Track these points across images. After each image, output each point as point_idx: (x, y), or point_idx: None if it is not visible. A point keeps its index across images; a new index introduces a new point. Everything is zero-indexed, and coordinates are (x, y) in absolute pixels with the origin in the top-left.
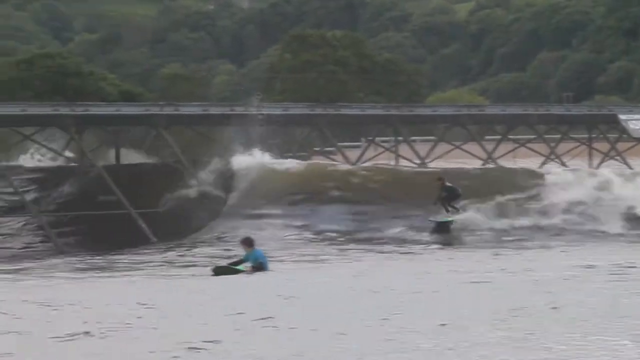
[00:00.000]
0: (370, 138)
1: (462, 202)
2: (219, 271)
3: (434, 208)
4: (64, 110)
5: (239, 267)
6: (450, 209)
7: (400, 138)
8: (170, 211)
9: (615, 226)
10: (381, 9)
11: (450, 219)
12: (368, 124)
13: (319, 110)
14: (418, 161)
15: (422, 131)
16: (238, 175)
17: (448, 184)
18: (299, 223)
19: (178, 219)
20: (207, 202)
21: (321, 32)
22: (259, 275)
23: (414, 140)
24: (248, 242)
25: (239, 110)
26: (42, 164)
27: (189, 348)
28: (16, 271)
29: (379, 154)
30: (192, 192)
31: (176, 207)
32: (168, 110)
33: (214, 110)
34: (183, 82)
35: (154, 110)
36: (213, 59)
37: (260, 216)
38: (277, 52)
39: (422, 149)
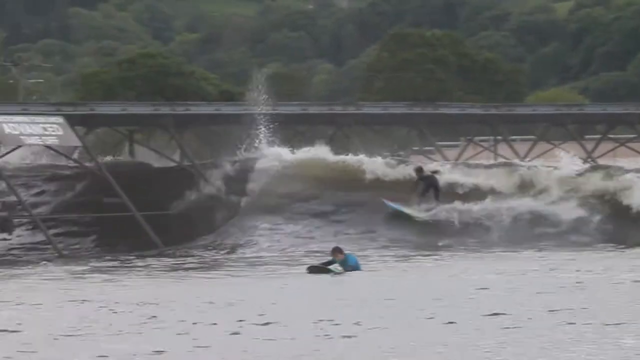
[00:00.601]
0: (469, 137)
1: None
2: (313, 270)
3: (424, 201)
4: (164, 110)
5: (331, 267)
6: (422, 204)
7: (499, 137)
8: (180, 215)
9: None
10: (480, 8)
11: (407, 211)
12: (467, 123)
13: (417, 110)
14: (517, 160)
15: (521, 130)
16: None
17: (428, 173)
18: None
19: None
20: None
21: (420, 31)
22: (367, 276)
23: (513, 140)
24: (339, 250)
25: (337, 109)
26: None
27: None
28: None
29: (478, 153)
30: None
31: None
32: (267, 110)
33: (313, 110)
34: (282, 82)
35: (254, 109)
36: (312, 59)
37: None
38: (376, 51)
39: (521, 148)
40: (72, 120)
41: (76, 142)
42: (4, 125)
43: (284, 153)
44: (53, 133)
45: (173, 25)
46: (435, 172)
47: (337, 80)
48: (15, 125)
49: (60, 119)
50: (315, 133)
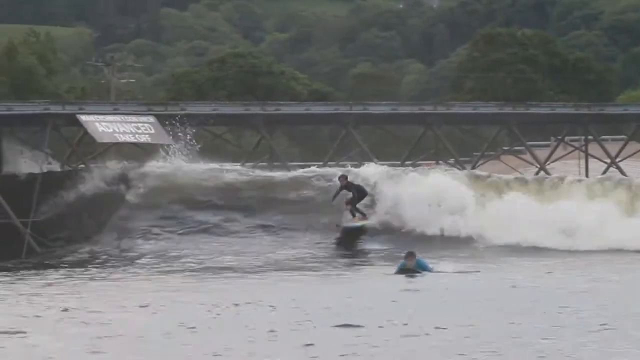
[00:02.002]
0: (560, 137)
1: None
2: (400, 271)
3: (335, 208)
4: (255, 110)
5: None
6: (357, 213)
7: (590, 137)
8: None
9: None
10: (571, 7)
11: (359, 224)
12: (558, 123)
13: (508, 109)
14: (608, 160)
15: (612, 130)
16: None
17: (355, 183)
18: None
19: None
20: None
21: (511, 31)
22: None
23: (604, 140)
24: (412, 255)
25: (427, 109)
26: None
27: None
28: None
29: (568, 153)
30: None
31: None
32: (357, 110)
33: (403, 110)
34: (372, 82)
35: (344, 109)
36: (402, 59)
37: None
38: (466, 51)
39: (613, 148)
40: (163, 120)
41: (168, 140)
42: (97, 124)
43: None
44: (145, 132)
45: (263, 25)
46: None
47: (427, 80)
48: (109, 124)
49: (152, 118)
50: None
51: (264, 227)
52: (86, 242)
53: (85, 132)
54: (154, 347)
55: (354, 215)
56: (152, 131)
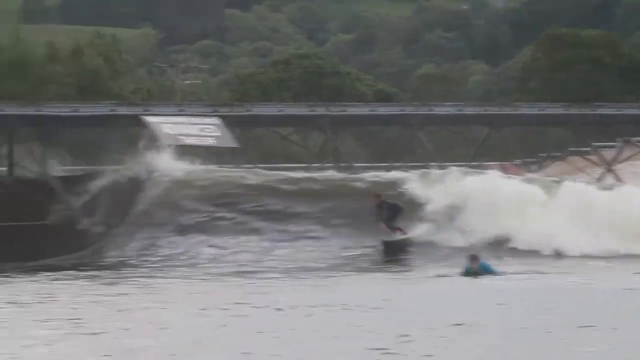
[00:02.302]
0: (626, 138)
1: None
2: (466, 274)
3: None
4: (320, 111)
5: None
6: (396, 230)
7: None
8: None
9: None
10: (637, 8)
11: (400, 237)
12: (624, 123)
13: (574, 110)
14: None
15: None
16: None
17: (388, 200)
18: None
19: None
20: None
21: (575, 31)
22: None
23: None
24: (476, 258)
25: (492, 110)
26: None
27: None
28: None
29: (635, 154)
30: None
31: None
32: (423, 111)
33: (469, 110)
34: (437, 82)
35: (409, 110)
36: (466, 59)
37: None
38: (531, 51)
39: None
40: (229, 121)
41: (233, 143)
42: (162, 126)
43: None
44: (210, 134)
45: (327, 26)
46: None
47: (491, 80)
48: (174, 126)
49: (216, 120)
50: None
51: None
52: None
53: (151, 134)
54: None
55: (393, 231)
56: (218, 133)
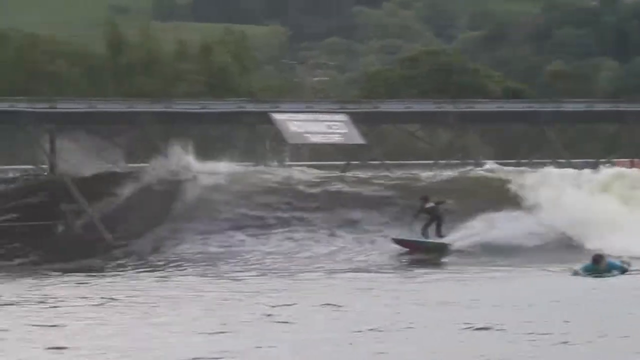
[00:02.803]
0: None
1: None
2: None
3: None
4: (447, 107)
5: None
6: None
7: None
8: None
9: None
10: None
11: (420, 240)
12: None
13: None
14: None
15: None
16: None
17: (430, 204)
18: None
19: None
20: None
21: None
22: None
23: None
24: (601, 257)
25: (623, 106)
26: None
27: None
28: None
29: None
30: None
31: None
32: (551, 107)
33: (599, 107)
34: (566, 79)
35: (537, 107)
36: (596, 56)
37: None
38: None
39: None
40: (356, 118)
41: (359, 140)
42: (289, 123)
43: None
44: (337, 131)
45: (456, 23)
46: (441, 202)
47: (622, 77)
48: (301, 123)
49: (344, 117)
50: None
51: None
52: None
53: (278, 131)
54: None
55: (425, 237)
56: (345, 130)
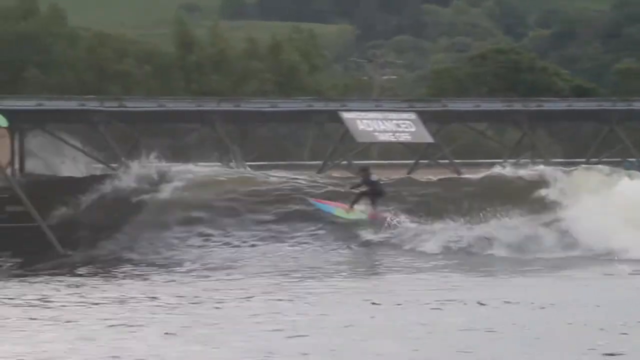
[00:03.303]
0: None
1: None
2: None
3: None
4: (516, 106)
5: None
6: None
7: None
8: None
9: None
10: None
11: (336, 211)
12: None
13: None
14: None
15: None
16: None
17: (374, 177)
18: None
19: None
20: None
21: None
22: None
23: None
24: None
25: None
26: None
27: None
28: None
29: None
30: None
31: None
32: (621, 106)
33: None
34: (637, 77)
35: (607, 105)
36: None
37: None
38: None
39: None
40: (425, 117)
41: (428, 139)
42: (358, 122)
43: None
44: (406, 130)
45: (525, 21)
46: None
47: None
48: (369, 121)
49: (412, 115)
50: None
51: None
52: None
53: (347, 130)
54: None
55: (352, 203)
56: (413, 129)
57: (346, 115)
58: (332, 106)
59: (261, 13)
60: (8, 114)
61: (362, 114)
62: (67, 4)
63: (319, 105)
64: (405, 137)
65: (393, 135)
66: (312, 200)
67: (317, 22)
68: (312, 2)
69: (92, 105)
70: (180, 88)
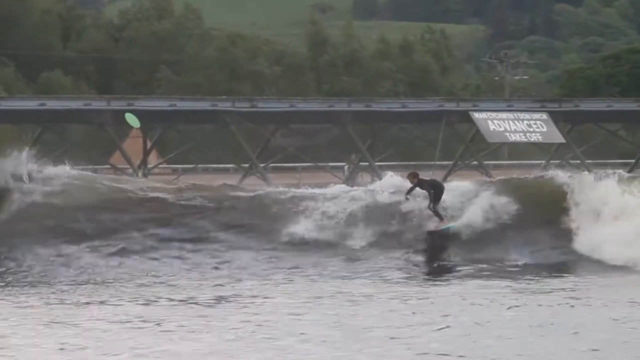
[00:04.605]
0: None
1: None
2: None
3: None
4: None
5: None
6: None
7: None
8: None
9: None
10: None
11: (449, 225)
12: None
13: None
14: None
15: None
16: None
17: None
18: None
19: None
20: None
21: None
22: None
23: None
24: None
25: None
26: None
27: None
28: None
29: None
30: None
31: None
32: None
33: None
34: None
35: None
36: None
37: None
38: None
39: None
40: (556, 117)
41: (560, 139)
42: (489, 122)
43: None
44: (537, 130)
45: None
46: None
47: None
48: (500, 122)
49: (544, 116)
50: None
51: None
52: None
53: (478, 130)
54: None
55: (440, 217)
56: (544, 129)
57: (477, 116)
58: (463, 106)
59: (393, 13)
60: (141, 114)
61: (494, 114)
62: (200, 4)
63: (450, 106)
64: (536, 138)
65: (524, 135)
66: (435, 230)
67: (448, 22)
68: (443, 2)
69: (224, 105)
70: (311, 88)
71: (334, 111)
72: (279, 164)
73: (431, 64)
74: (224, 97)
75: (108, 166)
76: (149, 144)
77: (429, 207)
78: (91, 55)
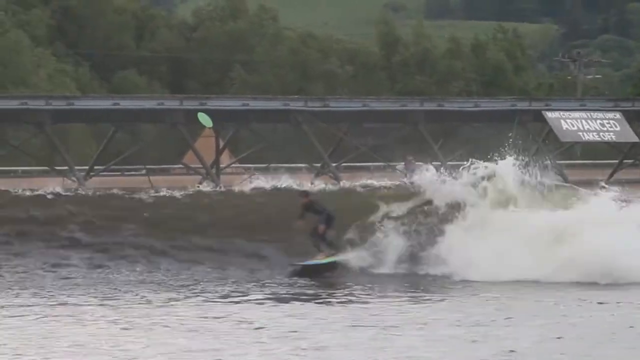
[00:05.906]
0: None
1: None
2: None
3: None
4: None
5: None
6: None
7: None
8: None
9: None
10: None
11: (325, 261)
12: None
13: None
14: None
15: None
16: None
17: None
18: None
19: None
20: None
21: None
22: None
23: None
24: None
25: None
26: None
27: None
28: None
29: None
30: None
31: None
32: None
33: None
34: None
35: None
36: None
37: None
38: None
39: None
40: (630, 116)
41: (633, 138)
42: (562, 121)
43: None
44: (610, 129)
45: None
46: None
47: None
48: (573, 121)
49: (617, 115)
50: None
51: None
52: None
53: (550, 130)
54: None
55: (319, 249)
56: (617, 128)
57: (550, 115)
58: (535, 106)
59: (465, 12)
60: (213, 113)
61: (566, 113)
62: (274, 3)
63: (522, 105)
64: (609, 137)
65: (597, 134)
66: (304, 264)
67: (520, 21)
68: (516, 1)
69: (296, 105)
70: (384, 88)
71: (406, 110)
72: (351, 164)
73: (504, 63)
74: (296, 96)
75: (181, 166)
76: (221, 144)
77: (313, 232)
78: (164, 55)
